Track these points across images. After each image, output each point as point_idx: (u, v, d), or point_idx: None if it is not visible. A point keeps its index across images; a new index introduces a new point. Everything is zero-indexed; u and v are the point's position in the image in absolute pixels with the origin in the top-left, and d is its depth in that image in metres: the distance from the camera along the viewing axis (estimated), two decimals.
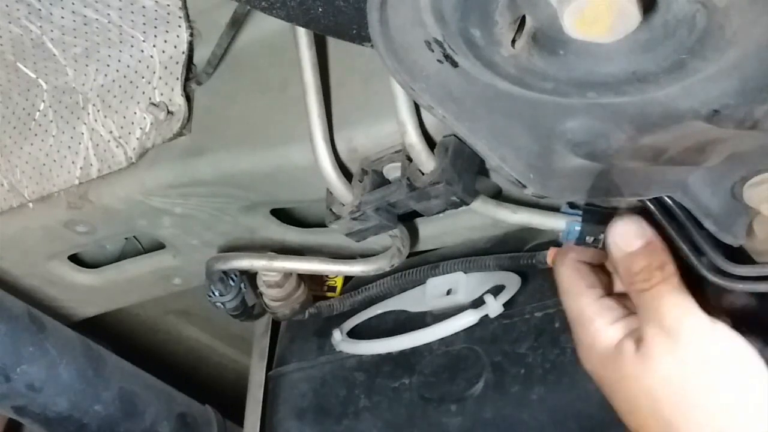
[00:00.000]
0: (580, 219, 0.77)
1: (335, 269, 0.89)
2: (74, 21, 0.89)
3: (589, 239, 0.74)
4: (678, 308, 0.63)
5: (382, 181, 0.79)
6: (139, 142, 0.91)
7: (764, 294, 0.66)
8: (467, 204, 0.75)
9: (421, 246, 0.93)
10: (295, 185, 0.85)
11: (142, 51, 0.91)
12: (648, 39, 0.50)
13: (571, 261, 0.70)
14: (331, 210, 0.80)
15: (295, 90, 0.79)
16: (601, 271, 0.71)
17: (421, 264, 0.92)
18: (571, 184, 0.64)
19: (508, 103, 0.58)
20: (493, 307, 0.84)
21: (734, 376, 0.62)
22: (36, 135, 0.97)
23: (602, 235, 0.73)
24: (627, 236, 0.67)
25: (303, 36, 0.77)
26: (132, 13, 0.88)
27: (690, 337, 0.62)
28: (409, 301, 0.92)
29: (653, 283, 0.64)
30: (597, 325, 0.66)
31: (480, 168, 0.76)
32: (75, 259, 1.07)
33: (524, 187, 0.64)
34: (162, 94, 0.91)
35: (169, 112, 0.90)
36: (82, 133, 0.94)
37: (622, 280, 0.67)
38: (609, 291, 0.69)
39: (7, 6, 0.88)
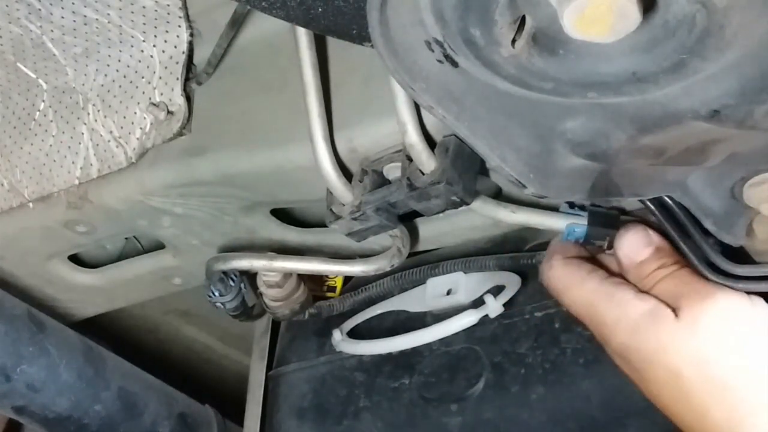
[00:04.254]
0: (579, 219, 0.77)
1: (335, 269, 0.89)
2: (74, 21, 0.89)
3: (598, 243, 0.74)
4: (707, 283, 0.63)
5: (382, 181, 0.79)
6: (139, 142, 0.91)
7: (765, 294, 0.66)
8: (467, 204, 0.75)
9: (421, 246, 0.93)
10: (295, 185, 0.85)
11: (142, 51, 0.91)
12: (648, 39, 0.50)
13: (560, 261, 0.70)
14: (331, 210, 0.80)
15: (295, 90, 0.79)
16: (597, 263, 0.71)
17: (421, 264, 0.92)
18: (571, 184, 0.64)
19: (508, 103, 0.58)
20: (493, 307, 0.84)
21: None
22: (36, 135, 0.97)
23: (607, 238, 0.73)
24: (636, 246, 0.67)
25: (303, 36, 0.77)
26: (132, 13, 0.88)
27: (732, 303, 0.61)
28: (409, 301, 0.92)
29: (671, 270, 0.64)
30: (620, 296, 0.64)
31: (480, 168, 0.76)
32: (75, 259, 1.07)
33: (524, 187, 0.64)
34: (162, 94, 0.91)
35: (169, 112, 0.90)
36: (82, 133, 0.94)
37: (639, 285, 0.66)
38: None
39: (7, 6, 0.88)
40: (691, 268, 0.65)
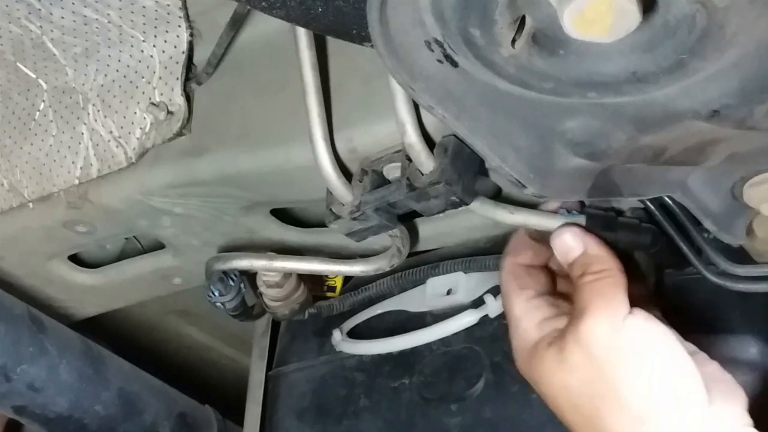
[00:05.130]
0: (577, 219, 0.77)
1: (335, 269, 0.89)
2: (74, 21, 0.89)
3: None
4: (595, 302, 0.64)
5: (382, 181, 0.79)
6: (139, 142, 0.91)
7: (765, 294, 0.66)
8: (467, 204, 0.75)
9: (421, 246, 0.93)
10: (295, 185, 0.85)
11: (142, 51, 0.91)
12: (648, 39, 0.50)
13: (508, 264, 0.73)
14: (331, 210, 0.80)
15: (295, 90, 0.79)
16: (544, 271, 0.73)
17: (421, 264, 0.92)
18: (571, 184, 0.64)
19: (508, 103, 0.58)
20: (493, 307, 0.84)
21: (647, 363, 0.63)
22: (36, 135, 0.97)
23: (607, 241, 0.73)
24: (564, 248, 0.69)
25: (303, 36, 0.77)
26: (132, 13, 0.88)
27: (601, 329, 0.63)
28: (409, 301, 0.92)
29: (587, 279, 0.66)
30: (523, 325, 0.68)
31: (480, 168, 0.76)
32: (75, 259, 1.07)
33: (524, 187, 0.64)
34: (162, 94, 0.91)
35: (169, 112, 0.90)
36: (82, 133, 0.94)
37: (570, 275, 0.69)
38: (549, 290, 0.71)
39: (7, 6, 0.88)
40: (606, 280, 0.66)
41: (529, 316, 0.69)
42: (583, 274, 0.66)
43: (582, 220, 0.78)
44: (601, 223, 0.75)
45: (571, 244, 0.69)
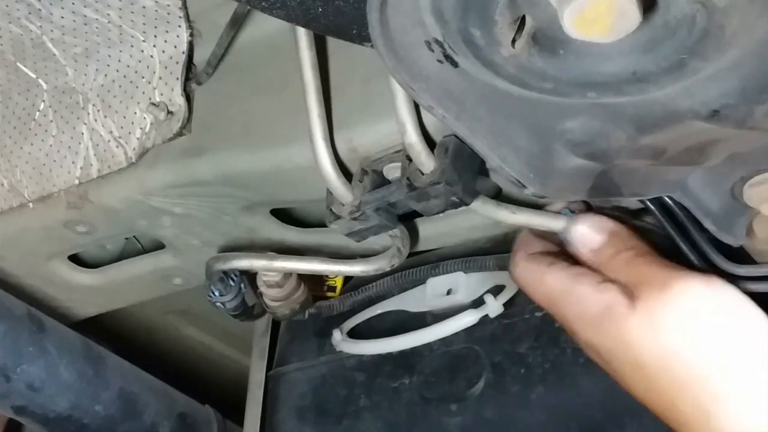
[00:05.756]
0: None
1: (335, 269, 0.89)
2: (74, 21, 0.89)
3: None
4: (663, 265, 0.62)
5: (382, 181, 0.79)
6: (139, 142, 0.91)
7: (765, 294, 0.66)
8: (467, 204, 0.75)
9: (421, 246, 0.93)
10: (295, 185, 0.85)
11: (142, 51, 0.91)
12: (648, 39, 0.50)
13: (522, 257, 0.69)
14: (331, 210, 0.80)
15: (295, 90, 0.79)
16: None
17: (421, 264, 0.92)
18: (571, 184, 0.64)
19: (508, 103, 0.58)
20: (493, 307, 0.84)
21: (741, 324, 0.60)
22: (36, 135, 0.97)
23: None
24: (587, 235, 0.66)
25: (303, 36, 0.77)
26: (132, 13, 0.88)
27: (687, 292, 0.60)
28: (409, 301, 0.92)
29: (629, 255, 0.63)
30: (578, 291, 0.64)
31: (480, 168, 0.76)
32: (75, 259, 1.07)
33: (524, 187, 0.64)
34: (162, 94, 0.91)
35: (169, 112, 0.90)
36: (82, 133, 0.94)
37: (600, 269, 0.66)
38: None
39: (7, 6, 0.88)
40: (648, 252, 0.64)
41: (578, 284, 0.64)
42: (619, 252, 0.64)
43: None
44: None
45: (595, 228, 0.66)
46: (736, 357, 0.60)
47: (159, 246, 1.03)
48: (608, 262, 0.65)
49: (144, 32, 0.90)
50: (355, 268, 0.88)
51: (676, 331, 0.60)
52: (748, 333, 0.61)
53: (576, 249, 0.68)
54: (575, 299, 0.64)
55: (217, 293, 0.92)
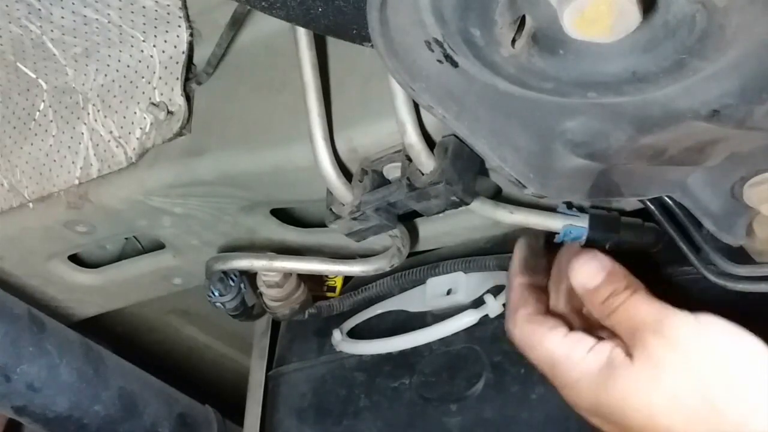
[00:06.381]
0: (577, 220, 0.78)
1: (335, 269, 0.89)
2: (74, 21, 0.89)
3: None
4: (656, 305, 0.62)
5: (382, 181, 0.79)
6: (139, 142, 0.91)
7: (765, 294, 0.66)
8: (467, 204, 0.75)
9: (421, 246, 0.93)
10: (295, 185, 0.85)
11: (142, 51, 0.91)
12: (648, 39, 0.50)
13: (521, 316, 0.69)
14: (331, 210, 0.80)
15: (295, 90, 0.79)
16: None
17: (421, 264, 0.92)
18: (571, 184, 0.64)
19: (508, 103, 0.58)
20: (493, 306, 0.84)
21: (747, 361, 0.60)
22: (36, 135, 0.97)
23: (610, 242, 0.73)
24: (587, 273, 0.66)
25: (303, 36, 0.77)
26: (132, 13, 0.88)
27: (680, 331, 0.61)
28: (409, 301, 0.92)
29: (623, 298, 0.63)
30: (575, 357, 0.64)
31: (480, 168, 0.76)
32: (75, 259, 1.07)
33: (524, 187, 0.64)
34: (162, 94, 0.91)
35: (169, 112, 0.90)
36: (82, 133, 0.94)
37: (595, 314, 0.66)
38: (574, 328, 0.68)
39: (7, 6, 0.88)
40: (641, 292, 0.64)
41: (576, 349, 0.64)
42: (615, 293, 0.64)
43: (583, 218, 0.78)
44: (604, 224, 0.75)
45: (593, 272, 0.66)
46: (746, 384, 0.60)
47: (159, 246, 1.03)
48: (605, 303, 0.65)
49: (144, 32, 0.90)
50: (355, 268, 0.88)
51: (679, 371, 0.60)
52: (750, 359, 0.61)
53: (575, 287, 0.67)
54: (574, 362, 0.64)
55: (217, 293, 0.92)
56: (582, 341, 0.65)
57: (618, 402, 0.62)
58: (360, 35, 0.61)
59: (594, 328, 0.66)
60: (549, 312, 0.69)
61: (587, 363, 0.63)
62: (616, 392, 0.62)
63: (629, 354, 0.62)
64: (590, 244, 0.75)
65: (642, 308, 0.62)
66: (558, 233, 0.78)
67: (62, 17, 0.89)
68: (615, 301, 0.64)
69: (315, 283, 1.00)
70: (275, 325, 1.05)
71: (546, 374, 0.67)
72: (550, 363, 0.66)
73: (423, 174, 0.74)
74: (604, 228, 0.74)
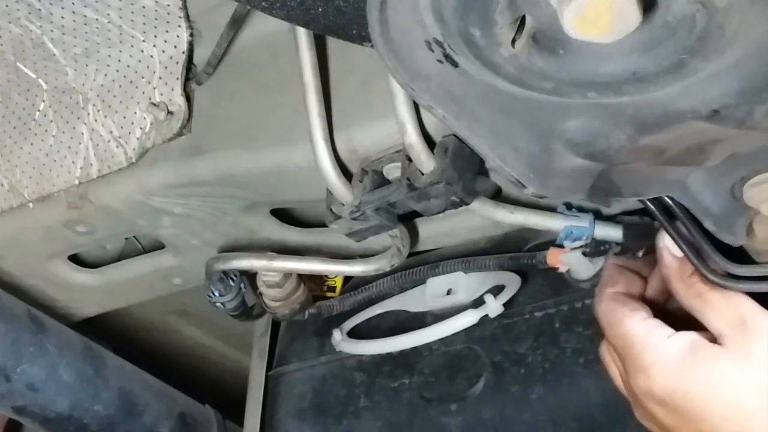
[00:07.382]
0: (577, 220, 0.78)
1: (335, 269, 0.89)
2: (74, 21, 0.89)
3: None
4: (747, 301, 0.62)
5: (382, 181, 0.79)
6: (139, 142, 0.91)
7: (765, 294, 0.66)
8: (467, 204, 0.75)
9: (421, 246, 0.93)
10: (295, 185, 0.85)
11: (142, 51, 0.91)
12: (648, 39, 0.50)
13: (608, 293, 0.69)
14: (331, 210, 0.80)
15: (295, 90, 0.79)
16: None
17: (421, 264, 0.92)
18: (571, 184, 0.64)
19: (509, 103, 0.58)
20: (493, 307, 0.84)
21: None
22: (36, 135, 0.97)
23: (642, 250, 0.73)
24: (678, 263, 0.66)
25: (303, 36, 0.77)
26: (132, 13, 0.88)
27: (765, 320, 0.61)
28: (409, 301, 0.92)
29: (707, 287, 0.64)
30: (653, 341, 0.64)
31: (480, 168, 0.76)
32: (75, 259, 1.07)
33: (524, 187, 0.64)
34: (162, 94, 0.91)
35: (169, 112, 0.90)
36: (82, 133, 0.94)
37: (676, 287, 0.66)
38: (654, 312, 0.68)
39: (7, 6, 0.88)
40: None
41: (655, 333, 0.64)
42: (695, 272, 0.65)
43: (583, 218, 0.78)
44: (639, 231, 0.75)
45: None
46: None
47: (159, 246, 1.03)
48: (692, 283, 0.65)
49: (144, 32, 0.90)
50: (355, 268, 0.88)
51: None
52: None
53: (662, 256, 0.68)
54: (650, 346, 0.64)
55: (217, 293, 0.92)
56: (662, 327, 0.65)
57: (699, 389, 0.61)
58: (360, 35, 0.61)
59: (677, 323, 0.66)
60: (639, 298, 0.70)
61: (666, 347, 0.63)
62: (698, 378, 0.61)
63: (715, 342, 0.61)
64: (624, 252, 0.76)
65: (733, 296, 0.62)
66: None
67: (62, 17, 0.89)
68: (702, 285, 0.64)
69: (315, 283, 1.00)
70: (275, 325, 1.05)
71: (618, 353, 0.67)
72: (625, 343, 0.65)
73: (423, 174, 0.74)
74: (638, 236, 0.75)
